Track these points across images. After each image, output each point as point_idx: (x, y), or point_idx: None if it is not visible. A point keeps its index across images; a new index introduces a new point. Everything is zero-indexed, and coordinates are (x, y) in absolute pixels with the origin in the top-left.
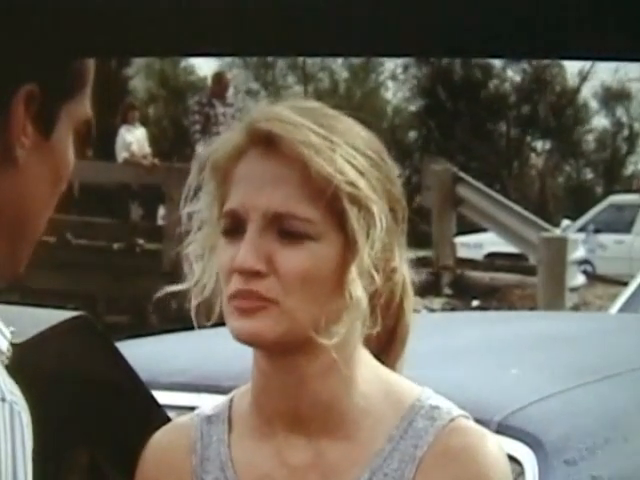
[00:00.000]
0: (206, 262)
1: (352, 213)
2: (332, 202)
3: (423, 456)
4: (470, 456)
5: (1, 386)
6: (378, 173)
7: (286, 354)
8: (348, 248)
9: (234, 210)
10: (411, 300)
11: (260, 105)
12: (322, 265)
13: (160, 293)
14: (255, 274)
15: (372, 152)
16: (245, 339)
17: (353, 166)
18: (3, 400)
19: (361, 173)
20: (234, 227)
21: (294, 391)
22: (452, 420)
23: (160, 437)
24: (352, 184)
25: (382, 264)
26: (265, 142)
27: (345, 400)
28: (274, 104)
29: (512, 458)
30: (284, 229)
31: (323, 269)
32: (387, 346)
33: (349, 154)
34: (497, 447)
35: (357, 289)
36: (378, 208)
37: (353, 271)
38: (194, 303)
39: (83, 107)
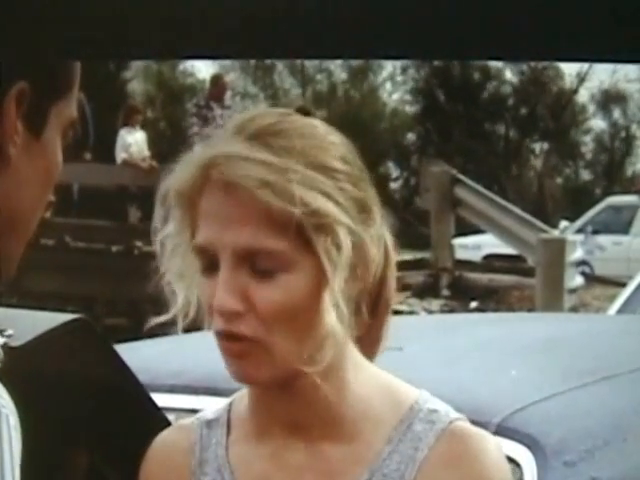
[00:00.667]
0: (185, 288)
1: (319, 242)
2: (299, 231)
3: (424, 459)
4: (472, 458)
5: None
6: (343, 183)
7: (283, 383)
8: (321, 272)
9: (204, 247)
10: (393, 267)
11: (214, 137)
12: (297, 295)
13: (149, 324)
14: (234, 313)
15: (336, 161)
16: (241, 382)
17: (315, 190)
18: None
19: (324, 194)
20: (209, 263)
21: (289, 402)
22: (451, 423)
23: (163, 438)
24: (315, 213)
25: (362, 270)
26: (220, 184)
27: (342, 404)
28: (231, 122)
29: (511, 460)
30: (256, 267)
31: (299, 299)
32: (370, 320)
33: (309, 179)
34: (497, 448)
35: (331, 319)
36: (345, 232)
37: (326, 300)
38: (180, 328)
39: (71, 107)
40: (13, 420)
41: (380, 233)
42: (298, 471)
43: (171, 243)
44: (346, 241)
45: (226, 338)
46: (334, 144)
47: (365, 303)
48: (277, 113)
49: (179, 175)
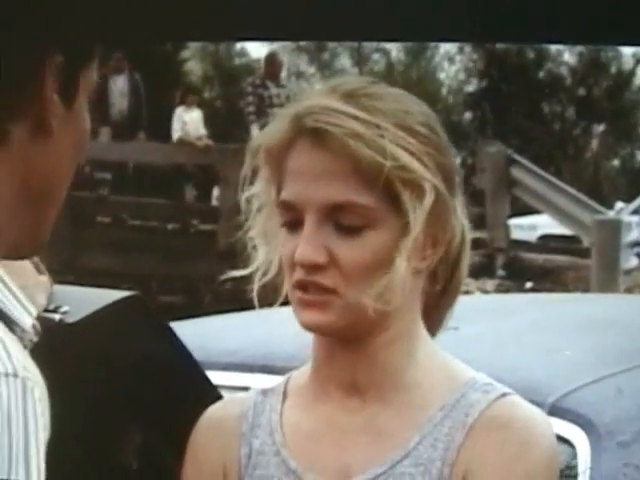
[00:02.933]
0: (267, 246)
1: (405, 196)
2: (386, 187)
3: (473, 423)
4: (519, 424)
5: (14, 362)
6: (429, 148)
7: (350, 337)
8: (403, 229)
9: (290, 202)
10: (467, 255)
11: (306, 94)
12: (381, 252)
13: (224, 277)
14: (316, 266)
15: (422, 126)
16: (314, 330)
17: (403, 148)
18: (15, 376)
19: (412, 154)
20: (292, 220)
21: (355, 361)
22: (504, 395)
23: (214, 408)
24: (404, 168)
25: (441, 235)
26: (312, 135)
27: (402, 371)
28: (323, 84)
29: (565, 440)
30: (341, 223)
31: (382, 256)
32: (439, 298)
33: (398, 136)
34: (547, 423)
35: (400, 263)
36: (430, 186)
37: (401, 246)
38: (256, 287)
39: (93, 74)
40: (38, 392)
41: (459, 208)
42: (349, 433)
43: (257, 201)
44: (430, 196)
45: (304, 288)
46: (421, 112)
47: (438, 279)
48: (365, 79)
49: (272, 128)
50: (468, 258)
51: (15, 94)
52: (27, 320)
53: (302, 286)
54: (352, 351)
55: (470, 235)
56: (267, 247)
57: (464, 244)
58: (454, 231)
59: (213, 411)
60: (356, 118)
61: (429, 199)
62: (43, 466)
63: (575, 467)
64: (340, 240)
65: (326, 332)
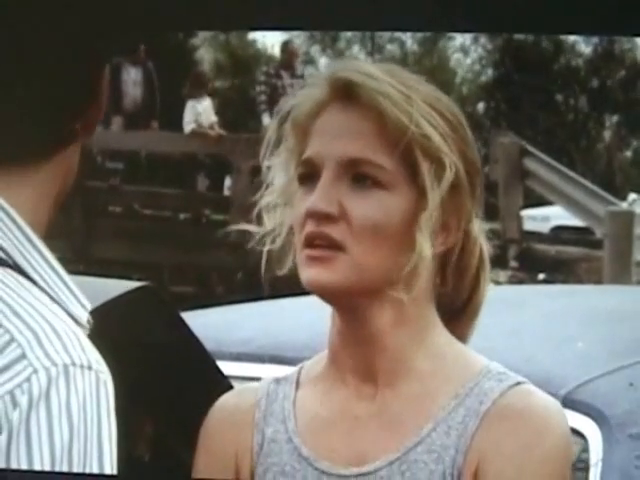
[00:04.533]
0: (281, 212)
1: (424, 166)
2: (406, 154)
3: (487, 411)
4: (532, 413)
5: (88, 355)
6: (454, 134)
7: (357, 308)
8: (419, 202)
9: (310, 158)
10: (487, 273)
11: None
12: (392, 215)
13: (233, 227)
14: (327, 218)
15: (450, 115)
16: (316, 288)
17: (428, 122)
18: (89, 368)
19: (436, 128)
20: (309, 174)
21: (367, 345)
22: (518, 383)
23: (227, 397)
24: (426, 137)
25: (454, 222)
26: (345, 93)
27: (416, 358)
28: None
29: (577, 432)
30: (357, 174)
31: (393, 219)
32: (459, 315)
33: (426, 111)
34: (561, 412)
35: (424, 240)
36: (450, 162)
37: (421, 222)
38: (266, 249)
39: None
40: (110, 385)
41: (477, 211)
42: (362, 420)
43: (277, 169)
44: (450, 173)
45: (312, 243)
46: (451, 104)
47: (446, 280)
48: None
49: (302, 96)
50: (488, 279)
51: (84, 95)
52: (83, 314)
53: (310, 239)
54: (362, 336)
55: (488, 262)
56: (280, 214)
57: (483, 263)
58: (469, 219)
59: (225, 400)
60: (389, 83)
61: (449, 175)
62: (115, 457)
63: (587, 459)
64: (354, 195)
65: (328, 291)
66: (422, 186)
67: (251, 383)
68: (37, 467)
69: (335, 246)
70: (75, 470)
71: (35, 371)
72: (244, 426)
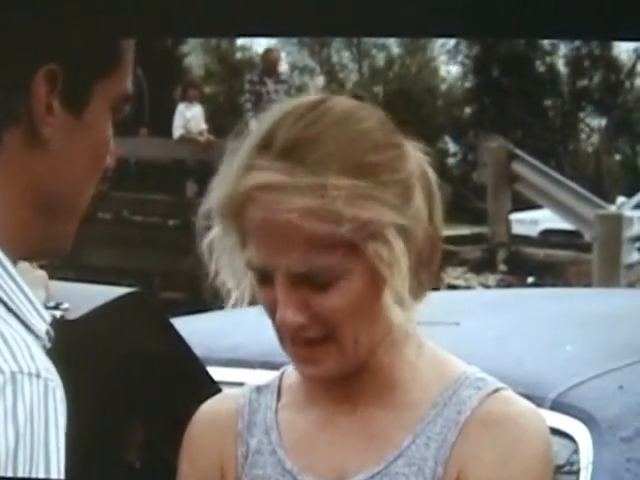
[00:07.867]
0: (239, 284)
1: (371, 250)
2: (349, 242)
3: (466, 421)
4: (512, 421)
5: (37, 363)
6: (382, 175)
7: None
8: (379, 274)
9: (259, 268)
10: (439, 204)
11: (239, 152)
12: (356, 297)
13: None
14: (299, 326)
15: (371, 154)
16: (316, 379)
17: (358, 199)
18: (38, 376)
19: (368, 198)
20: (264, 277)
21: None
22: (497, 390)
23: (209, 404)
24: (363, 225)
25: (415, 244)
26: (264, 212)
27: (395, 373)
28: (255, 145)
29: (567, 435)
30: (311, 280)
31: (358, 300)
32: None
33: (350, 189)
34: (541, 418)
35: (395, 316)
36: (393, 231)
37: (387, 298)
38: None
39: (121, 83)
40: (60, 394)
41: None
42: (344, 434)
43: (219, 246)
44: (396, 241)
45: (295, 343)
46: (367, 133)
47: (421, 282)
48: (305, 107)
49: (218, 195)
50: (440, 209)
51: (5, 102)
52: (42, 326)
53: (292, 339)
54: None
55: (437, 186)
56: (238, 286)
57: (433, 200)
58: (424, 232)
59: (207, 407)
60: (301, 190)
61: (398, 248)
62: (63, 465)
63: (577, 462)
64: (315, 294)
65: (327, 378)
66: (376, 268)
67: (232, 390)
68: None
69: (317, 341)
70: (20, 475)
71: None
72: (227, 434)
